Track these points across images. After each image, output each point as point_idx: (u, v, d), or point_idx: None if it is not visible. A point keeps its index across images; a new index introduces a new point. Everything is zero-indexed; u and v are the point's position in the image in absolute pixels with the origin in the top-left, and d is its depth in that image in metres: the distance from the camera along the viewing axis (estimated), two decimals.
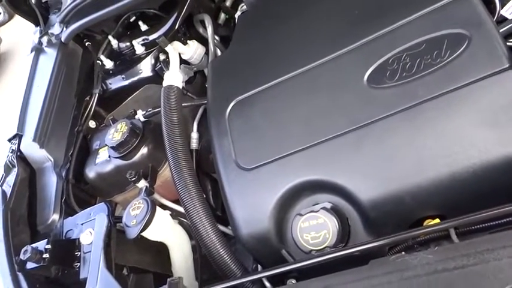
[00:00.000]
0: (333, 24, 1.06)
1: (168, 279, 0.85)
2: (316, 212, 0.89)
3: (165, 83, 1.26)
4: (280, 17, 1.17)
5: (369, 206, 0.87)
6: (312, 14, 1.11)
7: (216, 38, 1.51)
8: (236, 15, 1.39)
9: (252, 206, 0.98)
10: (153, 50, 1.46)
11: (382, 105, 0.89)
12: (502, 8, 0.95)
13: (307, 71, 1.01)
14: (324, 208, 0.89)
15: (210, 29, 1.43)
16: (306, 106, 0.98)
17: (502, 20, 0.95)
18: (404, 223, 0.87)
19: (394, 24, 0.95)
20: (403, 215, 0.87)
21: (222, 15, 1.62)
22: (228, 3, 1.58)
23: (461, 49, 0.85)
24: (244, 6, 1.35)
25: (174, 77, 1.27)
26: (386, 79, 0.91)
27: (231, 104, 1.09)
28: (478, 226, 0.83)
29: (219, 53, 1.45)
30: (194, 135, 1.39)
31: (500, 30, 0.87)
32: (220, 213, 1.34)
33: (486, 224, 0.82)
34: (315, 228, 0.89)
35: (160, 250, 1.13)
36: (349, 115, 0.92)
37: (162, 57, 1.44)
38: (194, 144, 1.38)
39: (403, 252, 0.74)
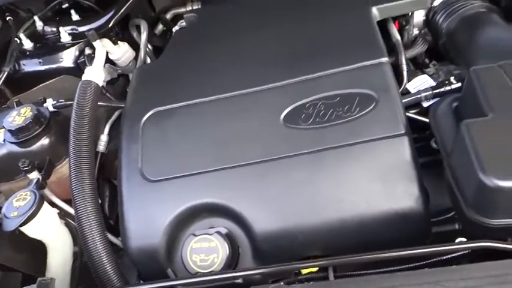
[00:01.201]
0: (264, 58, 1.11)
1: (39, 279, 0.79)
2: (210, 234, 0.90)
3: (84, 77, 1.21)
4: (216, 40, 1.20)
5: (262, 237, 0.90)
6: (247, 44, 1.16)
7: (149, 46, 1.50)
8: (174, 29, 1.40)
9: (147, 218, 0.96)
10: (80, 42, 1.41)
11: (291, 144, 0.94)
12: (408, 82, 1.07)
13: (230, 98, 1.04)
14: (218, 232, 0.90)
15: (144, 36, 1.42)
16: (222, 131, 1.00)
17: (407, 92, 1.06)
18: (294, 260, 0.91)
19: (318, 73, 1.02)
20: (293, 252, 0.91)
21: (160, 27, 1.61)
22: (168, 16, 1.58)
23: (369, 109, 0.94)
24: (184, 23, 1.36)
25: (96, 74, 1.22)
26: (301, 121, 0.96)
27: (149, 113, 1.07)
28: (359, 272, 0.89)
29: (148, 61, 1.43)
30: (104, 137, 1.34)
31: (403, 100, 0.97)
32: (113, 222, 1.29)
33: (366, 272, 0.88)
34: (205, 251, 0.89)
35: (38, 250, 1.05)
36: (260, 147, 0.95)
37: (87, 51, 1.39)
38: (102, 146, 1.33)
39: (281, 283, 0.77)
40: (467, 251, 0.82)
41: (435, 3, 1.16)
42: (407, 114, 1.00)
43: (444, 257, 0.91)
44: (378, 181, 0.88)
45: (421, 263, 0.85)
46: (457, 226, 0.95)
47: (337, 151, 0.91)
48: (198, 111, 1.04)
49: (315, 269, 0.91)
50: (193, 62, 1.16)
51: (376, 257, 0.74)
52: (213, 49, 1.17)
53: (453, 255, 0.92)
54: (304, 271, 0.92)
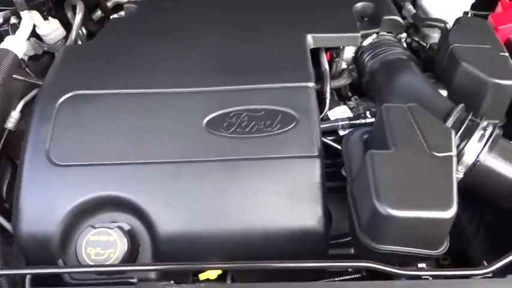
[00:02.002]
0: (198, 62, 1.11)
1: None
2: (111, 228, 0.87)
3: (2, 45, 1.13)
4: (152, 34, 1.18)
5: (164, 238, 0.89)
6: (182, 45, 1.15)
7: (84, 30, 1.44)
8: (111, 17, 1.36)
9: (45, 203, 0.91)
10: (7, 10, 1.32)
11: (209, 149, 0.95)
12: (329, 110, 1.13)
13: (155, 94, 1.03)
14: (120, 227, 0.87)
15: (79, 17, 1.36)
16: (141, 125, 0.98)
17: (326, 119, 1.12)
18: None
19: (248, 86, 1.04)
20: (193, 257, 0.90)
21: (99, 12, 1.55)
22: (109, 4, 1.54)
23: (289, 127, 0.97)
24: (123, 13, 1.33)
25: (17, 44, 1.15)
26: (222, 128, 0.97)
27: (68, 95, 1.02)
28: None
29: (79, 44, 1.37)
30: (15, 114, 1.24)
31: (321, 125, 1.02)
32: (8, 206, 1.19)
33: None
34: (103, 245, 0.85)
35: None
36: (177, 148, 0.95)
37: (13, 20, 1.29)
38: (10, 124, 1.23)
39: (172, 281, 0.76)
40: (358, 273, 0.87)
41: (364, 43, 1.24)
42: (324, 139, 1.05)
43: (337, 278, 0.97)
44: (286, 197, 0.91)
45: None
46: (352, 251, 1.01)
47: (251, 163, 0.93)
48: (120, 101, 1.02)
49: (213, 277, 0.91)
50: (124, 52, 1.14)
51: (263, 266, 0.76)
52: (147, 43, 1.16)
53: (347, 277, 0.98)
54: (202, 278, 0.92)
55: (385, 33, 1.26)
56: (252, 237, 0.89)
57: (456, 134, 0.91)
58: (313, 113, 0.99)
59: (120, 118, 1.00)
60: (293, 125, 0.98)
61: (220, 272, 0.91)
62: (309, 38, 1.16)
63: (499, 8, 1.25)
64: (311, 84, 1.04)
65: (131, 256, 0.87)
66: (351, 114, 1.12)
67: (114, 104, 1.02)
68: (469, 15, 1.31)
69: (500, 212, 0.98)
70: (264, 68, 1.09)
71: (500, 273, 0.73)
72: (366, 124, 1.08)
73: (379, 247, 0.78)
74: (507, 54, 1.05)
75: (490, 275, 0.74)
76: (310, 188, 0.91)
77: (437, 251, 0.79)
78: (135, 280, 0.84)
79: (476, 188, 0.96)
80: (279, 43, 1.16)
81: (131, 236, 0.88)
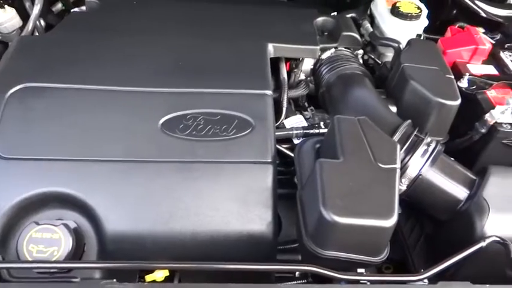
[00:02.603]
0: (158, 62, 1.11)
1: None
2: (55, 225, 0.84)
3: None
4: (112, 31, 1.17)
5: (111, 237, 0.87)
6: (143, 44, 1.15)
7: (42, 22, 1.40)
8: (72, 11, 1.33)
9: None
10: None
11: (163, 150, 0.94)
12: (285, 118, 1.16)
13: (111, 91, 1.01)
14: (65, 225, 0.85)
15: (38, 8, 1.31)
16: (94, 122, 0.97)
17: (282, 127, 1.15)
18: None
19: (206, 90, 1.05)
20: (140, 258, 0.89)
21: (59, 5, 1.52)
22: None
23: (244, 133, 0.99)
24: (84, 8, 1.31)
25: None
26: (178, 130, 0.98)
27: (18, 86, 0.99)
28: None
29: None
30: None
31: (276, 133, 1.05)
32: None
33: None
34: (46, 242, 0.83)
35: None
36: (130, 146, 0.94)
37: None
38: None
39: (114, 280, 0.75)
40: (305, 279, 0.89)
41: (323, 57, 1.29)
42: (278, 146, 1.08)
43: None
44: (237, 201, 0.92)
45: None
46: (300, 257, 1.03)
47: (205, 165, 0.94)
48: (72, 96, 1.00)
49: (160, 279, 0.91)
50: (81, 47, 1.12)
51: (208, 267, 0.77)
52: (106, 40, 1.14)
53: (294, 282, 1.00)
54: (148, 280, 0.91)
55: (343, 48, 1.31)
56: (201, 240, 0.90)
57: (402, 148, 0.96)
58: (269, 120, 1.02)
59: (72, 113, 0.98)
60: (249, 130, 0.99)
61: (167, 274, 0.91)
62: (270, 47, 1.19)
63: (448, 33, 1.33)
64: (268, 92, 1.06)
65: (76, 255, 0.85)
66: (306, 124, 1.15)
67: (66, 98, 1.00)
68: (422, 37, 1.38)
69: (439, 223, 1.03)
70: (224, 74, 1.10)
71: (434, 280, 0.77)
72: (319, 134, 1.11)
73: (323, 252, 0.80)
74: (452, 76, 1.12)
75: (425, 282, 0.78)
76: (261, 194, 0.93)
77: (378, 258, 0.82)
78: (77, 280, 0.82)
79: (417, 200, 1.01)
80: (240, 50, 1.18)
81: (77, 234, 0.86)
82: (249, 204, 0.92)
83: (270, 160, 0.96)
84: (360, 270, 0.78)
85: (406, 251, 1.08)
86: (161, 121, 0.99)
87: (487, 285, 0.72)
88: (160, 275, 0.90)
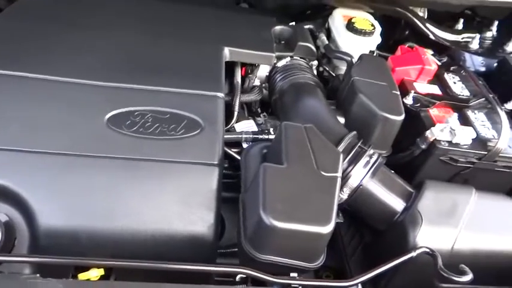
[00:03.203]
0: (110, 56, 1.09)
1: None
2: None
3: None
4: (62, 20, 1.14)
5: (44, 232, 0.84)
6: (96, 36, 1.12)
7: None
8: None
9: None
10: None
11: (107, 146, 0.92)
12: (236, 122, 1.16)
13: (56, 82, 0.98)
14: None
15: None
16: (36, 112, 0.93)
17: (232, 131, 1.16)
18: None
19: (157, 87, 1.04)
20: (74, 254, 0.86)
21: None
22: None
23: (193, 133, 0.98)
24: None
25: None
26: (125, 126, 0.96)
27: None
28: None
29: None
30: None
31: (225, 136, 1.05)
32: None
33: None
34: None
35: None
36: (72, 140, 0.91)
37: None
38: None
39: (38, 275, 0.72)
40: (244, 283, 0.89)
41: (278, 64, 1.30)
42: (227, 150, 1.08)
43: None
44: (180, 202, 0.91)
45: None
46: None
47: (150, 164, 0.92)
48: (14, 84, 0.96)
49: (95, 278, 0.88)
50: (28, 34, 1.08)
51: (140, 266, 0.76)
52: (55, 28, 1.11)
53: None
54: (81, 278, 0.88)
55: (298, 58, 1.33)
56: (140, 239, 0.88)
57: (345, 158, 0.99)
58: (219, 122, 1.02)
59: (14, 101, 0.94)
60: (197, 131, 0.99)
61: (102, 273, 0.88)
62: (226, 50, 1.20)
63: (398, 52, 1.38)
64: (220, 94, 1.06)
65: (4, 249, 0.81)
66: (256, 129, 1.16)
67: (8, 85, 0.95)
68: (375, 54, 1.43)
69: (377, 233, 1.07)
70: (176, 73, 1.09)
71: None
72: (268, 140, 1.12)
73: (260, 256, 0.81)
74: (398, 92, 1.16)
75: None
76: (205, 196, 0.92)
77: (314, 264, 0.84)
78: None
79: (358, 210, 1.04)
80: (196, 52, 1.18)
81: (7, 228, 0.82)
82: (191, 206, 0.91)
83: (216, 162, 0.96)
84: (292, 274, 0.79)
85: (344, 260, 1.11)
86: (107, 116, 0.96)
87: None
88: (94, 274, 0.87)
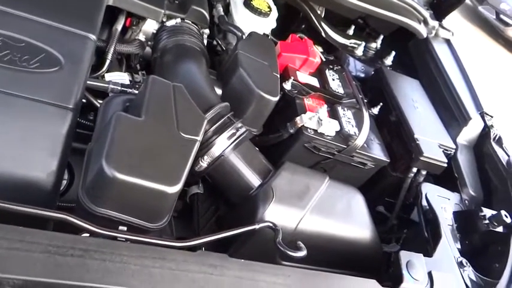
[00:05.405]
0: None
1: None
2: None
3: None
4: None
5: None
6: None
7: None
8: None
9: None
10: None
11: None
12: (107, 71, 1.07)
13: None
14: None
15: None
16: None
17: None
18: None
19: (20, 12, 0.91)
20: None
21: None
22: None
23: (49, 70, 0.88)
24: None
25: None
26: None
27: None
28: None
29: None
30: None
31: (89, 82, 0.96)
32: None
33: None
34: None
35: None
36: None
37: None
38: None
39: None
40: None
41: (167, 24, 1.24)
42: (90, 97, 0.99)
43: None
44: (21, 142, 0.80)
45: None
46: None
47: None
48: None
49: None
50: None
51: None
52: None
53: None
54: None
55: (190, 22, 1.28)
56: None
57: (211, 126, 0.97)
58: (83, 64, 0.92)
59: None
60: (55, 69, 0.88)
61: None
62: None
63: (289, 39, 1.41)
64: (92, 36, 0.97)
65: None
66: (127, 82, 1.09)
67: None
68: (268, 37, 1.44)
69: (231, 206, 1.07)
70: (48, 3, 0.97)
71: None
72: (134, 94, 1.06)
73: (96, 209, 0.75)
74: (278, 75, 1.18)
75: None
76: (51, 140, 0.83)
77: (156, 224, 0.81)
78: None
79: (216, 181, 1.03)
80: None
81: None
82: (34, 148, 0.81)
83: (70, 106, 0.87)
84: (121, 227, 0.75)
85: (195, 229, 1.09)
86: None
87: (242, 260, 0.76)
88: None
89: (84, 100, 1.01)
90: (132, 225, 0.77)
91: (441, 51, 1.66)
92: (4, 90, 0.82)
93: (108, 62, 1.07)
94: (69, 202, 0.99)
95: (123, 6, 1.15)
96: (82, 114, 1.05)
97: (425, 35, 1.66)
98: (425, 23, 1.70)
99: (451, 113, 1.44)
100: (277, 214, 0.96)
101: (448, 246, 1.02)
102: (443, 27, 1.77)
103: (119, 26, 1.14)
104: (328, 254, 1.06)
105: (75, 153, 0.96)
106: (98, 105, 1.04)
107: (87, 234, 0.75)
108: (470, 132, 1.42)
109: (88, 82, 0.95)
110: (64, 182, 1.02)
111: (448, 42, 1.75)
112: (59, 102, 0.86)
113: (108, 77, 1.07)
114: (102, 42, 1.11)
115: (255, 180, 1.02)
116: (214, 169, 1.00)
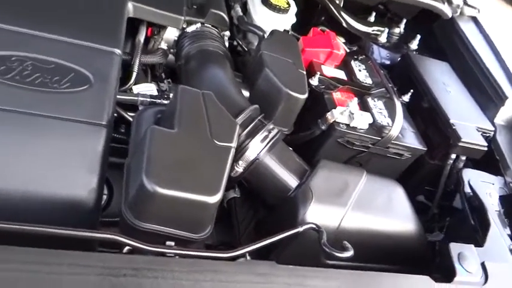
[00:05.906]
0: None
1: None
2: None
3: None
4: None
5: None
6: None
7: None
8: None
9: None
10: None
11: None
12: (134, 84, 1.08)
13: None
14: None
15: None
16: None
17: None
18: None
19: (45, 33, 0.92)
20: None
21: None
22: None
23: (80, 89, 0.88)
24: None
25: None
26: None
27: None
28: None
29: None
30: None
31: (119, 96, 0.96)
32: None
33: None
34: None
35: None
36: None
37: None
38: None
39: None
40: None
41: (188, 29, 1.23)
42: (122, 112, 0.99)
43: None
44: (60, 162, 0.81)
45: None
46: None
47: (27, 118, 0.81)
48: None
49: None
50: None
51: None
52: None
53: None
54: None
55: (209, 26, 1.27)
56: (13, 201, 0.77)
57: (243, 130, 0.96)
58: (111, 80, 0.92)
59: None
60: (85, 87, 0.89)
61: None
62: (130, 5, 1.10)
63: (310, 34, 1.39)
64: (117, 50, 0.97)
65: None
66: (155, 93, 1.09)
67: None
68: (289, 33, 1.42)
69: (269, 209, 1.06)
70: (70, 21, 0.98)
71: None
72: (165, 105, 1.06)
73: (140, 224, 0.75)
74: (304, 72, 1.16)
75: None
76: (88, 158, 0.84)
77: (200, 235, 0.80)
78: None
79: (253, 185, 1.02)
80: (96, 3, 1.06)
81: None
82: (72, 168, 0.82)
83: (104, 123, 0.87)
84: (168, 243, 0.75)
85: (236, 236, 1.09)
86: None
87: (290, 266, 0.75)
88: None
89: (115, 114, 1.02)
90: (177, 237, 0.77)
91: (469, 30, 1.60)
92: (40, 112, 0.83)
93: (134, 74, 1.08)
94: (111, 216, 1.01)
95: (143, 17, 1.15)
96: (114, 128, 1.06)
97: (450, 15, 1.61)
98: (449, 2, 1.65)
99: (485, 94, 1.39)
100: (319, 214, 0.94)
101: (499, 234, 0.98)
102: (468, 5, 1.71)
103: (142, 37, 1.14)
104: (373, 250, 1.04)
105: (111, 168, 0.97)
106: (129, 118, 1.05)
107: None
108: (508, 111, 1.37)
109: (118, 97, 0.95)
110: (104, 197, 1.03)
111: (474, 20, 1.69)
112: (92, 119, 0.87)
113: (136, 89, 1.08)
114: (127, 55, 1.11)
115: (292, 181, 1.01)
116: (250, 173, 0.99)
